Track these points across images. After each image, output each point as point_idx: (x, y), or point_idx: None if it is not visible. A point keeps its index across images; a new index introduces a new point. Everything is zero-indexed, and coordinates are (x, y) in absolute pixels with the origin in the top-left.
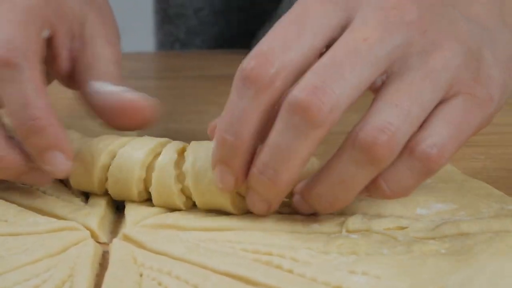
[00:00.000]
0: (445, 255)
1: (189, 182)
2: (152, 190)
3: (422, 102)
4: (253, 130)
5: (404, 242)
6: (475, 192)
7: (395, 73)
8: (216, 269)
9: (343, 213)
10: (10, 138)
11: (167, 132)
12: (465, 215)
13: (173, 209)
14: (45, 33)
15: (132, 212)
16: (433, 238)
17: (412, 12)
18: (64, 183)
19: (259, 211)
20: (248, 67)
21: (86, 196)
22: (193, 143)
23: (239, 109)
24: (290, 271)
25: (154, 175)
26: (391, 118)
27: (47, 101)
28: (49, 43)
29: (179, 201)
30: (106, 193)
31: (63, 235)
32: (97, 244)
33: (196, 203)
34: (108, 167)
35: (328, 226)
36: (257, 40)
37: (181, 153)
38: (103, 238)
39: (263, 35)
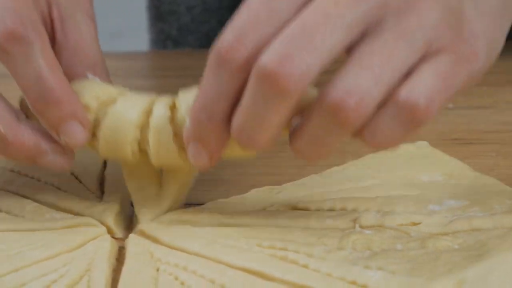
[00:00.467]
0: (459, 251)
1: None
2: (151, 151)
3: (396, 65)
4: (228, 110)
5: (418, 238)
6: (487, 188)
7: (369, 34)
8: (232, 264)
9: (356, 209)
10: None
11: None
12: (477, 211)
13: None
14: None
15: (143, 210)
16: (446, 234)
17: None
18: (78, 179)
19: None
20: (222, 46)
21: (101, 192)
22: (181, 93)
23: (213, 89)
24: (306, 266)
25: (151, 137)
26: (361, 81)
27: (60, 73)
28: None
29: (180, 158)
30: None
31: (79, 231)
32: (113, 239)
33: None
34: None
35: (342, 222)
36: None
37: (173, 108)
38: (119, 233)
39: None
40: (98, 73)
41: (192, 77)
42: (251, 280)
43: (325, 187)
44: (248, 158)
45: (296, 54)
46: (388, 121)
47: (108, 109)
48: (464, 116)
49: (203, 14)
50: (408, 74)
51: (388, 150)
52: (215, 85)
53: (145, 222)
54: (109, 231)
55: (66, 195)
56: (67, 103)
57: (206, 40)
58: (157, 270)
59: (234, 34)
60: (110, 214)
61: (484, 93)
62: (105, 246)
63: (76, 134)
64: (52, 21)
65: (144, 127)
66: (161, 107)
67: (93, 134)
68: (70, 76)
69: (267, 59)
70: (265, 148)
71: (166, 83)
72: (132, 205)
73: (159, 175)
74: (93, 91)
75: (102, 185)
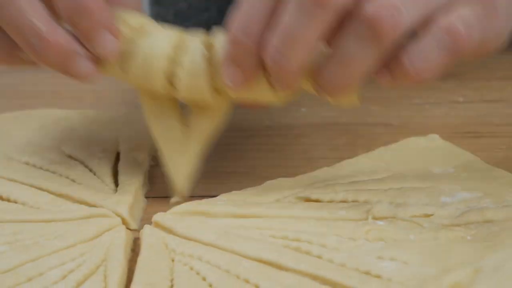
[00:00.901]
0: (471, 242)
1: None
2: (182, 84)
3: None
4: (262, 28)
5: (430, 229)
6: (499, 180)
7: None
8: (247, 255)
9: (368, 201)
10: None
11: None
12: (489, 202)
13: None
14: None
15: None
16: (459, 225)
17: None
18: (93, 172)
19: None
20: None
21: (115, 184)
22: (217, 33)
23: (251, 7)
24: (319, 257)
25: (185, 70)
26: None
27: None
28: None
29: (211, 97)
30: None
31: (95, 222)
32: (128, 230)
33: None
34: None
35: (354, 214)
36: None
37: (209, 47)
38: (134, 225)
39: None
40: None
41: None
42: (265, 270)
43: (338, 179)
44: (274, 104)
45: None
46: (428, 46)
47: (140, 41)
48: (475, 110)
49: (201, 2)
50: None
51: (425, 80)
52: (253, 3)
53: (173, 166)
54: (124, 222)
55: (81, 187)
56: (98, 13)
57: (204, 29)
58: (172, 260)
59: None
60: (124, 205)
61: (495, 87)
62: (120, 237)
63: (108, 44)
64: None
65: (174, 61)
66: (197, 44)
67: (124, 63)
68: None
69: None
70: (293, 85)
71: None
72: (145, 197)
73: (184, 118)
74: (126, 18)
75: (116, 178)
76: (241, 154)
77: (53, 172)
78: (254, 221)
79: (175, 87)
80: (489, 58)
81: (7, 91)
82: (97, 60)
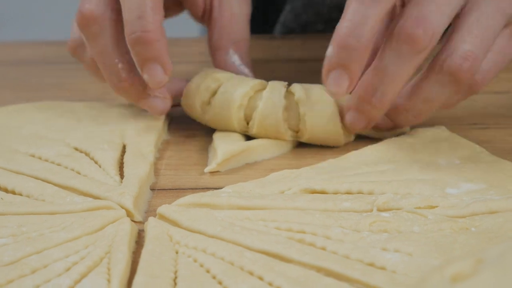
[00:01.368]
0: (476, 233)
1: (299, 93)
2: (256, 127)
3: (494, 31)
4: (374, 35)
5: (435, 221)
6: (505, 172)
7: (471, 2)
8: (251, 246)
9: (373, 192)
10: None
11: None
12: (494, 194)
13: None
14: None
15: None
16: (463, 217)
17: None
18: (98, 164)
19: (359, 127)
20: None
21: (120, 176)
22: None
23: (361, 14)
24: (323, 249)
25: (262, 103)
26: (472, 47)
27: (160, 19)
28: None
29: (284, 130)
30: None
31: (99, 214)
32: (133, 222)
33: (308, 130)
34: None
35: (359, 205)
36: (272, 25)
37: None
38: (138, 217)
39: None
40: (240, 50)
41: None
42: (269, 262)
43: (343, 171)
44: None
45: (427, 16)
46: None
47: (221, 86)
48: (482, 101)
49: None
50: None
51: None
52: (363, 10)
53: (221, 149)
54: (129, 215)
55: (86, 180)
56: (156, 47)
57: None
58: (176, 252)
59: None
60: (129, 197)
61: (501, 79)
62: (125, 229)
63: (157, 76)
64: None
65: (247, 106)
66: (277, 90)
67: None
68: (216, 46)
69: (405, 21)
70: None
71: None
72: (151, 189)
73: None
74: (211, 72)
75: (122, 170)
76: None
77: (58, 165)
78: (258, 213)
79: (250, 126)
80: None
81: (13, 84)
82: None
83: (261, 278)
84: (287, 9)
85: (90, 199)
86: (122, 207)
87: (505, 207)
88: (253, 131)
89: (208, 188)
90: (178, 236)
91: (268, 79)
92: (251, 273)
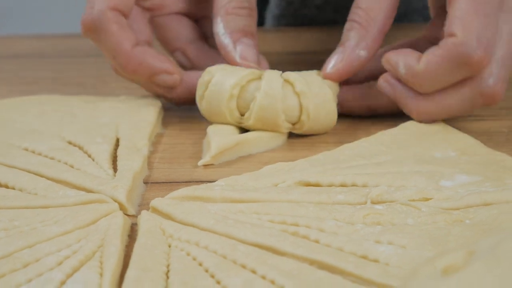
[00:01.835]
0: (470, 225)
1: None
2: (253, 118)
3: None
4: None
5: (429, 213)
6: (499, 164)
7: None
8: (244, 240)
9: (367, 184)
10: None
11: None
12: (489, 186)
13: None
14: None
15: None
16: (458, 209)
17: None
18: (92, 158)
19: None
20: None
21: (114, 170)
22: (289, 73)
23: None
24: (317, 241)
25: (260, 94)
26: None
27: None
28: None
29: (281, 121)
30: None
31: (92, 208)
32: (126, 216)
33: (310, 121)
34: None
35: (353, 198)
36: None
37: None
38: (131, 210)
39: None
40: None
41: None
42: (262, 255)
43: (337, 163)
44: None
45: None
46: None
47: (215, 76)
48: None
49: None
50: None
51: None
52: None
53: (215, 142)
54: (122, 208)
55: (79, 173)
56: (143, 68)
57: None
58: (169, 246)
59: None
60: (122, 191)
61: None
62: (117, 223)
63: (167, 81)
64: None
65: (239, 96)
66: (275, 78)
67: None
68: None
69: None
70: None
71: None
72: (144, 182)
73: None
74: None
75: (115, 164)
76: None
77: (52, 158)
78: (252, 206)
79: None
80: None
81: (8, 77)
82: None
83: (254, 271)
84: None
85: (83, 192)
86: (115, 201)
87: (500, 199)
88: (249, 122)
89: (201, 181)
90: (171, 229)
91: None
92: (244, 266)
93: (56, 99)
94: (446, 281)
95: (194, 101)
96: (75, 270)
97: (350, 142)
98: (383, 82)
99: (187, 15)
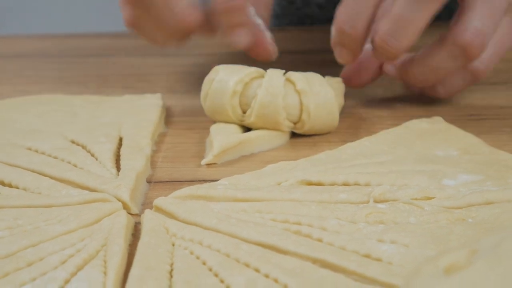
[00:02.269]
0: (472, 224)
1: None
2: (254, 115)
3: (501, 12)
4: (368, 22)
5: (431, 212)
6: (502, 163)
7: None
8: (247, 238)
9: (369, 183)
10: None
11: None
12: (491, 185)
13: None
14: None
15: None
16: (460, 208)
17: None
18: (95, 157)
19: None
20: None
21: (117, 169)
22: (292, 73)
23: (356, 4)
24: (320, 240)
25: (261, 91)
26: (484, 25)
27: None
28: None
29: (282, 119)
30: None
31: (96, 207)
32: (129, 215)
33: (311, 120)
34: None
35: (355, 197)
36: None
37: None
38: (135, 209)
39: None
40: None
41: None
42: (265, 254)
43: (339, 163)
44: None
45: None
46: (457, 80)
47: (218, 73)
48: (479, 92)
49: None
50: None
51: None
52: (358, 1)
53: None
54: (125, 207)
55: (82, 172)
56: (245, 13)
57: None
58: (173, 245)
59: None
60: (126, 190)
61: (500, 69)
62: (121, 221)
63: (243, 39)
64: None
65: (242, 93)
66: (277, 77)
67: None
68: None
69: None
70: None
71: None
72: (147, 181)
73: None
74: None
75: (119, 163)
76: None
77: (55, 158)
78: (255, 205)
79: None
80: None
81: (11, 77)
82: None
83: (257, 270)
84: None
85: (86, 191)
86: (119, 200)
87: (502, 198)
88: (250, 119)
89: (204, 181)
90: (175, 228)
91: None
92: (247, 265)
93: (58, 99)
94: (449, 280)
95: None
96: (79, 268)
97: (352, 141)
98: (389, 66)
99: None
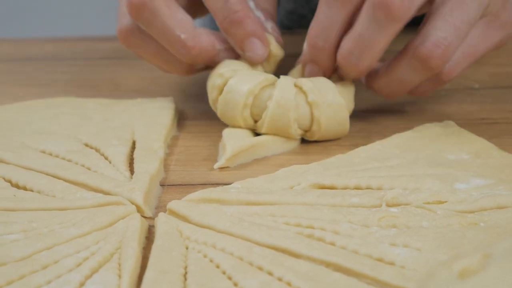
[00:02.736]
0: (484, 228)
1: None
2: (266, 125)
3: (469, 20)
4: (340, 35)
5: (443, 216)
6: None
7: None
8: (260, 242)
9: (382, 187)
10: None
11: None
12: (503, 189)
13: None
14: None
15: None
16: (472, 212)
17: None
18: (108, 160)
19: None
20: None
21: (130, 172)
22: (301, 79)
23: (328, 18)
24: (332, 244)
25: (272, 104)
26: (446, 34)
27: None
28: None
29: (294, 130)
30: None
31: (110, 210)
32: (143, 218)
33: (322, 118)
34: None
35: (368, 200)
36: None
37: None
38: (148, 212)
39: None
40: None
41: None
42: (278, 257)
43: (352, 166)
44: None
45: None
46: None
47: (230, 80)
48: (491, 96)
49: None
50: None
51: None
52: (329, 15)
53: (230, 145)
54: (139, 210)
55: (96, 175)
56: (249, 23)
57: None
58: (186, 248)
59: None
60: (139, 193)
61: (510, 74)
62: (135, 225)
63: (257, 50)
64: None
65: (252, 104)
66: (287, 80)
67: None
68: None
69: None
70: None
71: None
72: (161, 185)
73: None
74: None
75: (132, 166)
76: None
77: (69, 161)
78: (268, 209)
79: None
80: (506, 44)
81: (23, 80)
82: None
83: (270, 273)
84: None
85: (100, 194)
86: (132, 203)
87: None
88: (262, 130)
89: (217, 184)
90: (188, 231)
91: None
92: (260, 268)
93: (71, 102)
94: (463, 284)
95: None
96: (94, 271)
97: (364, 145)
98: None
99: None
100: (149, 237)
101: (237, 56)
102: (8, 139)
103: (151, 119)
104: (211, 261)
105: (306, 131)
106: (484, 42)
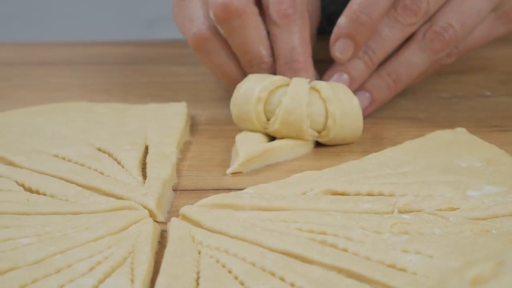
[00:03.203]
0: (496, 236)
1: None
2: (280, 113)
3: (479, 13)
4: (383, 13)
5: (455, 223)
6: None
7: None
8: (273, 247)
9: (394, 194)
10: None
11: None
12: None
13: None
14: None
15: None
16: (484, 219)
17: None
18: (121, 165)
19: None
20: None
21: (143, 177)
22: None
23: None
24: (345, 250)
25: (286, 98)
26: (454, 21)
27: (309, 51)
28: None
29: (306, 127)
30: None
31: (122, 214)
32: (156, 223)
33: (336, 113)
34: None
35: (380, 207)
36: None
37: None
38: (161, 217)
39: None
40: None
41: None
42: (291, 263)
43: (364, 173)
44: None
45: None
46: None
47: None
48: (503, 103)
49: None
50: None
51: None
52: None
53: (243, 150)
54: (151, 215)
55: (109, 180)
56: (302, 74)
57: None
58: (199, 253)
59: None
60: (152, 198)
61: None
62: (147, 229)
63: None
64: None
65: (266, 101)
66: (302, 85)
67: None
68: None
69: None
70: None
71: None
72: (173, 190)
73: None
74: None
75: (144, 171)
76: None
77: (82, 165)
78: (280, 214)
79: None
80: None
81: (36, 84)
82: None
83: (282, 279)
84: None
85: (113, 199)
86: (145, 208)
87: None
88: (274, 127)
89: (230, 189)
90: (201, 236)
91: None
92: (272, 274)
93: (84, 106)
94: None
95: None
96: (107, 276)
97: (376, 151)
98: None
99: None
100: (161, 242)
101: None
102: (21, 143)
103: (164, 124)
104: (223, 266)
105: (319, 132)
106: (487, 36)
